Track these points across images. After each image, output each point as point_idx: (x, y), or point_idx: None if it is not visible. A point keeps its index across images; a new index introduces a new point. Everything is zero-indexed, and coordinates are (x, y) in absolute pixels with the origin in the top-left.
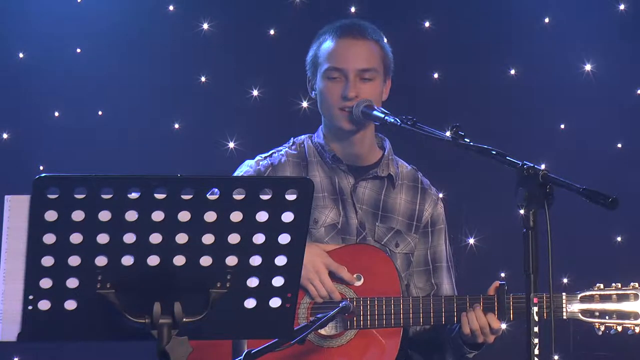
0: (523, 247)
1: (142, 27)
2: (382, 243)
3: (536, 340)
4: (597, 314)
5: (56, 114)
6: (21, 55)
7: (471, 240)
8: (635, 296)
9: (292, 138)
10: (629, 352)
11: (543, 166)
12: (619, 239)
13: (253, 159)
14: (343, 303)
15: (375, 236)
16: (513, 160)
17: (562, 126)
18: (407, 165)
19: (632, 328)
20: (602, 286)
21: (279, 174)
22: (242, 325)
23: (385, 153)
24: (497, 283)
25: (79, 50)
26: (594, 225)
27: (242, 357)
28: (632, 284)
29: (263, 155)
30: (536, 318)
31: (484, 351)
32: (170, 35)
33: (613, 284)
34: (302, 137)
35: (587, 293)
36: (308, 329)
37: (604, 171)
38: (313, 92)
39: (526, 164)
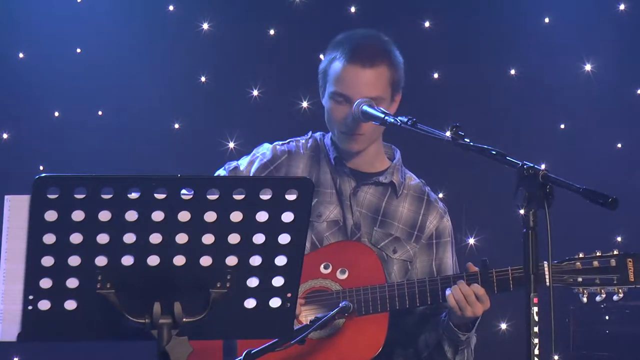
0: (523, 247)
1: (142, 27)
2: (379, 247)
3: (536, 340)
4: (580, 280)
5: (56, 114)
6: (21, 55)
7: (471, 240)
8: (617, 261)
9: (310, 132)
10: (629, 352)
11: (543, 166)
12: (619, 239)
13: (271, 143)
14: (343, 303)
15: (372, 239)
16: (513, 160)
17: (562, 126)
18: (415, 178)
19: (616, 291)
20: (583, 254)
21: (293, 162)
22: (242, 325)
23: (393, 162)
24: (471, 264)
25: (79, 50)
26: (594, 225)
27: (242, 357)
28: (612, 250)
29: (281, 142)
30: (536, 318)
31: (484, 351)
32: (170, 35)
33: (594, 252)
34: (318, 133)
35: (569, 261)
36: (308, 329)
37: (604, 171)
38: (323, 100)
39: (526, 164)
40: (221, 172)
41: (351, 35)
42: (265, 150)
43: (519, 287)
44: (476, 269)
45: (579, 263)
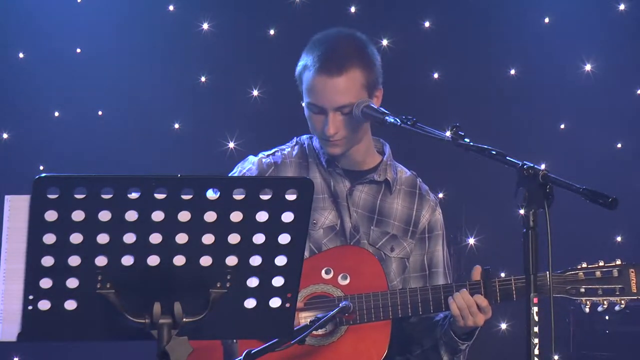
0: (523, 247)
1: (142, 27)
2: (377, 247)
3: (536, 340)
4: (582, 290)
5: (56, 114)
6: (21, 55)
7: (471, 240)
8: (619, 272)
9: (294, 137)
10: (629, 352)
11: (543, 166)
12: (619, 239)
13: (256, 155)
14: (343, 303)
15: (370, 239)
16: (513, 160)
17: (562, 126)
18: (406, 170)
19: (618, 302)
20: (585, 264)
21: (281, 174)
22: (242, 325)
23: (384, 158)
24: (478, 267)
25: (79, 50)
26: (594, 225)
27: (242, 358)
28: (615, 260)
29: (266, 153)
30: (536, 318)
31: (485, 351)
32: (170, 35)
33: (597, 262)
34: (304, 137)
35: (572, 271)
36: (308, 329)
37: (604, 171)
38: (304, 106)
39: (526, 164)
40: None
41: (323, 39)
42: (250, 165)
43: (522, 297)
44: (480, 269)
45: (581, 273)
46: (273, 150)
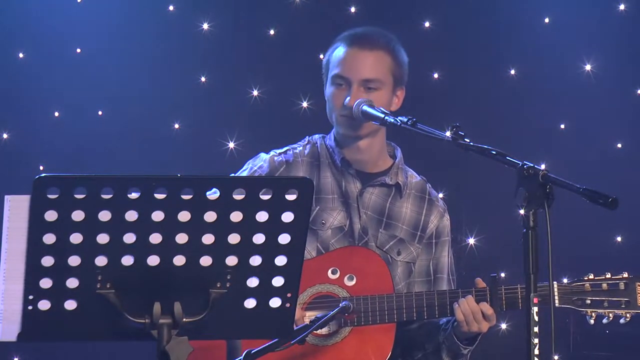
0: (523, 247)
1: (142, 27)
2: (384, 250)
3: (536, 340)
4: (588, 302)
5: (56, 114)
6: (21, 55)
7: (471, 240)
8: (626, 285)
9: (307, 137)
10: (629, 352)
11: (543, 166)
12: (619, 239)
13: (268, 153)
14: (343, 303)
15: (377, 242)
16: (513, 160)
17: (562, 126)
18: (416, 175)
19: (624, 315)
20: (592, 276)
21: (292, 173)
22: (242, 325)
23: (396, 162)
24: (479, 279)
25: (79, 50)
26: (594, 225)
27: (242, 357)
28: (622, 273)
29: (278, 151)
30: (536, 318)
31: (485, 351)
32: (170, 35)
33: (604, 274)
34: (316, 136)
35: (579, 282)
36: (308, 329)
37: (604, 171)
38: (325, 91)
39: (526, 164)
40: None
41: (354, 29)
42: (262, 162)
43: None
44: (485, 284)
45: (588, 284)
46: (285, 149)
